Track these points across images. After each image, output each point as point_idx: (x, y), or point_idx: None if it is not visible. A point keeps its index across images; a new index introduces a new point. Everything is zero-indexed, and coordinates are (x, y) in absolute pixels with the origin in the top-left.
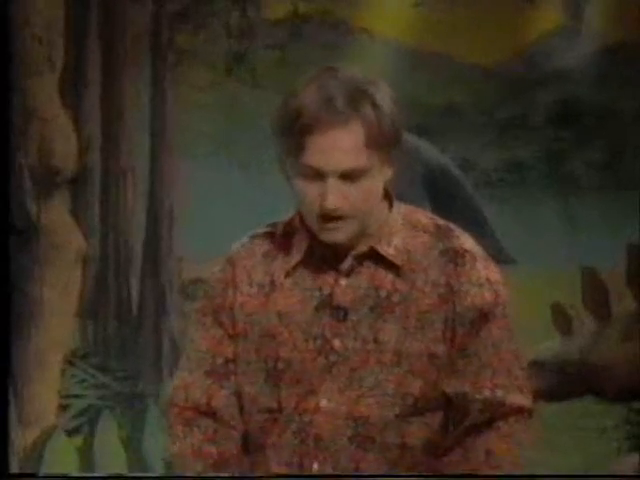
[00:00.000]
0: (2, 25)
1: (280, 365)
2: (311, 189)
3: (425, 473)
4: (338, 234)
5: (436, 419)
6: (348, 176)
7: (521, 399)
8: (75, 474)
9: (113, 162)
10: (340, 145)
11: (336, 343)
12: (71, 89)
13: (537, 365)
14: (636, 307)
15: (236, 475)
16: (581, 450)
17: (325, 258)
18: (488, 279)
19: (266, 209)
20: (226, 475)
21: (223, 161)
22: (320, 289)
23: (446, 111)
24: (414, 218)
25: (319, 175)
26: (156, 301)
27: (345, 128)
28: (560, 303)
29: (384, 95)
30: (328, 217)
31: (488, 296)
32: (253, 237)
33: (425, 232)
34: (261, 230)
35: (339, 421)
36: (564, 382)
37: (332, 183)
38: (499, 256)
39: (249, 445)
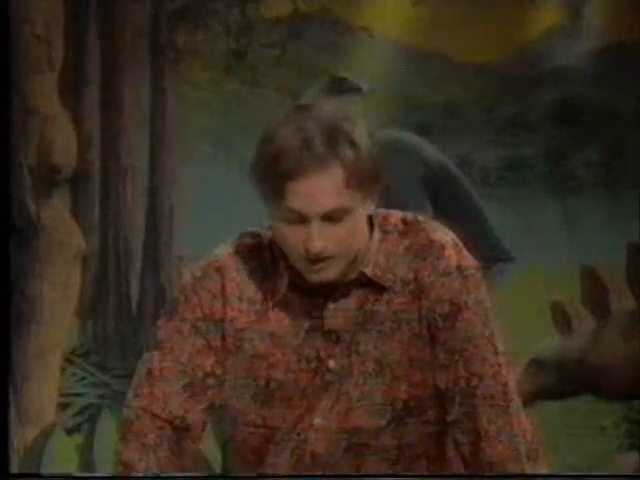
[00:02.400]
0: (2, 24)
1: (272, 385)
2: (295, 233)
3: (426, 472)
4: (326, 273)
5: (431, 414)
6: (331, 217)
7: (494, 385)
8: (75, 473)
9: (113, 161)
10: (321, 188)
11: (331, 364)
12: (71, 88)
13: (536, 364)
14: (636, 306)
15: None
16: (580, 449)
17: (311, 289)
18: (459, 266)
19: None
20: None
21: (223, 160)
22: (309, 313)
23: (445, 110)
24: (385, 222)
25: (302, 219)
26: (156, 300)
27: (325, 172)
28: (559, 302)
29: (361, 131)
30: (315, 259)
31: (457, 285)
32: (238, 247)
33: (394, 231)
34: (246, 239)
35: (332, 435)
36: (563, 381)
37: (316, 226)
38: (498, 254)
39: (238, 457)
